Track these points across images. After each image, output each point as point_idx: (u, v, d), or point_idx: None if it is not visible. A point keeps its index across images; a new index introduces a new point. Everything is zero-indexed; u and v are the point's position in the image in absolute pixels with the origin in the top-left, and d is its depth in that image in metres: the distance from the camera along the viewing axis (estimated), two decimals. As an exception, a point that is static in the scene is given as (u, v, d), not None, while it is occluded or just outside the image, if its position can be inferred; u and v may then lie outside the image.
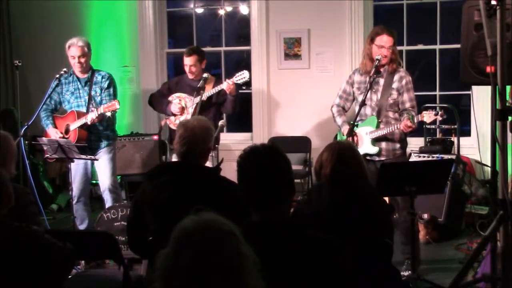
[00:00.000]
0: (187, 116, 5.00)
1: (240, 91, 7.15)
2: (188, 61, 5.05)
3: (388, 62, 4.25)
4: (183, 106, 5.05)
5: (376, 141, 4.27)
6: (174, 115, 5.09)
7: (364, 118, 4.32)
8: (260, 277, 1.43)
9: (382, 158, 4.26)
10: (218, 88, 4.92)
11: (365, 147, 4.28)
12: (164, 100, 5.20)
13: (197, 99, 4.91)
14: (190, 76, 5.11)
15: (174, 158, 5.22)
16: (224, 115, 6.73)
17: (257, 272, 1.43)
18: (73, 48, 4.82)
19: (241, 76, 4.92)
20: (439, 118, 4.03)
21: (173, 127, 5.14)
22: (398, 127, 4.12)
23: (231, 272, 1.38)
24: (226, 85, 4.88)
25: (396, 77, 4.25)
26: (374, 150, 4.26)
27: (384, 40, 4.19)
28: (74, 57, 4.82)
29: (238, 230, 1.46)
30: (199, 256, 1.36)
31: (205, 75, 4.92)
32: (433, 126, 5.96)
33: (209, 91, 4.94)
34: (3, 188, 2.41)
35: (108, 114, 4.65)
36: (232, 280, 1.37)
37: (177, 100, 5.09)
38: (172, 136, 5.23)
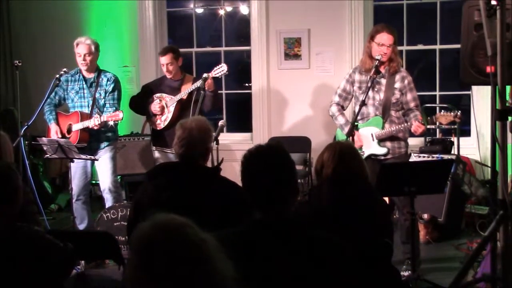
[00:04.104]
0: (168, 115, 5.01)
1: (241, 91, 7.21)
2: (164, 60, 5.02)
3: (387, 60, 4.24)
4: (163, 105, 5.05)
5: (381, 141, 4.27)
6: (155, 115, 5.09)
7: (365, 117, 4.31)
8: (226, 259, 1.44)
9: (388, 156, 4.27)
10: (196, 84, 4.87)
11: (373, 148, 4.26)
12: (146, 103, 5.19)
13: (178, 97, 4.95)
14: (168, 76, 5.08)
15: (157, 155, 5.22)
16: (224, 115, 6.78)
17: (223, 255, 1.45)
18: (81, 46, 4.84)
19: (219, 70, 4.87)
20: (457, 119, 4.01)
21: (155, 128, 5.15)
22: (407, 127, 4.12)
23: (199, 260, 1.40)
24: (204, 79, 4.85)
25: (397, 77, 4.26)
26: (382, 151, 4.25)
27: (384, 38, 4.20)
28: (80, 54, 4.84)
29: (191, 221, 1.47)
30: (167, 256, 1.38)
31: (205, 75, 4.89)
32: (433, 126, 5.96)
33: (188, 88, 4.93)
34: (17, 191, 2.44)
35: (111, 123, 4.67)
36: (203, 268, 1.39)
37: (157, 101, 5.10)
38: (154, 137, 5.23)
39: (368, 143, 4.29)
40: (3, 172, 2.43)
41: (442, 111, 4.16)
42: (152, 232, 1.43)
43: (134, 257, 1.42)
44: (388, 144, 4.28)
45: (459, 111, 4.14)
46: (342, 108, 4.48)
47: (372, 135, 4.27)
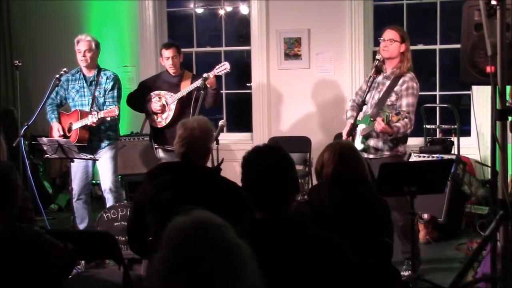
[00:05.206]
0: (169, 113, 5.00)
1: (241, 91, 7.21)
2: (168, 53, 5.01)
3: (389, 56, 4.25)
4: (163, 104, 5.03)
5: (366, 138, 4.28)
6: (156, 113, 5.08)
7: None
8: (257, 268, 1.41)
9: (370, 156, 4.25)
10: (196, 83, 4.85)
11: (356, 143, 4.29)
12: (144, 100, 5.15)
13: (179, 95, 4.95)
14: (172, 70, 5.05)
15: (161, 154, 5.20)
16: (224, 115, 6.78)
17: (255, 263, 1.41)
18: (81, 43, 4.86)
19: (222, 68, 4.87)
20: (401, 118, 3.99)
21: (155, 126, 5.12)
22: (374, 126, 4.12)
23: (233, 264, 1.36)
24: (204, 79, 4.82)
25: (400, 80, 4.24)
26: (360, 146, 4.26)
27: (386, 34, 4.24)
28: (81, 51, 4.85)
29: (228, 223, 1.44)
30: (201, 254, 1.34)
31: (205, 75, 4.89)
32: (433, 126, 5.97)
33: (188, 86, 4.93)
34: (16, 191, 2.44)
35: (108, 119, 4.68)
36: (235, 272, 1.36)
37: (156, 98, 5.07)
38: (155, 135, 5.20)
39: (356, 138, 4.33)
40: (2, 173, 2.43)
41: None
42: (188, 227, 1.38)
43: (167, 250, 1.36)
44: (371, 142, 4.27)
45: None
46: (357, 105, 4.49)
47: (359, 131, 4.31)
